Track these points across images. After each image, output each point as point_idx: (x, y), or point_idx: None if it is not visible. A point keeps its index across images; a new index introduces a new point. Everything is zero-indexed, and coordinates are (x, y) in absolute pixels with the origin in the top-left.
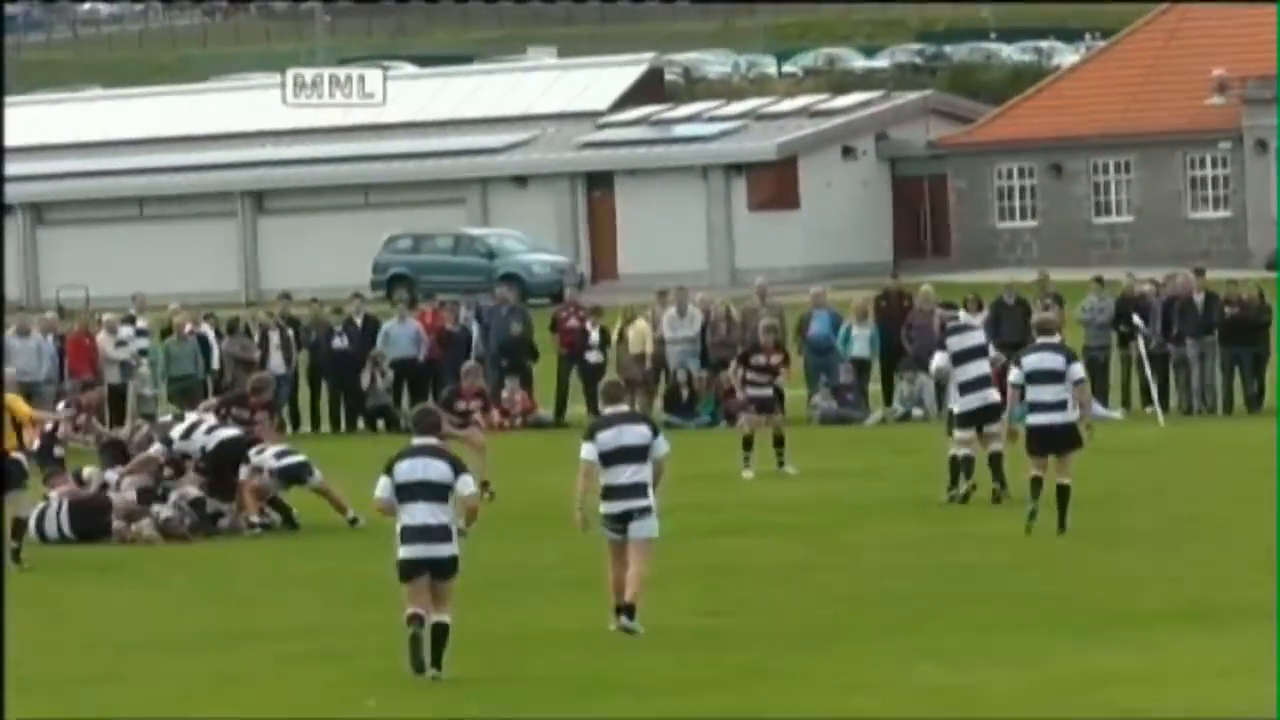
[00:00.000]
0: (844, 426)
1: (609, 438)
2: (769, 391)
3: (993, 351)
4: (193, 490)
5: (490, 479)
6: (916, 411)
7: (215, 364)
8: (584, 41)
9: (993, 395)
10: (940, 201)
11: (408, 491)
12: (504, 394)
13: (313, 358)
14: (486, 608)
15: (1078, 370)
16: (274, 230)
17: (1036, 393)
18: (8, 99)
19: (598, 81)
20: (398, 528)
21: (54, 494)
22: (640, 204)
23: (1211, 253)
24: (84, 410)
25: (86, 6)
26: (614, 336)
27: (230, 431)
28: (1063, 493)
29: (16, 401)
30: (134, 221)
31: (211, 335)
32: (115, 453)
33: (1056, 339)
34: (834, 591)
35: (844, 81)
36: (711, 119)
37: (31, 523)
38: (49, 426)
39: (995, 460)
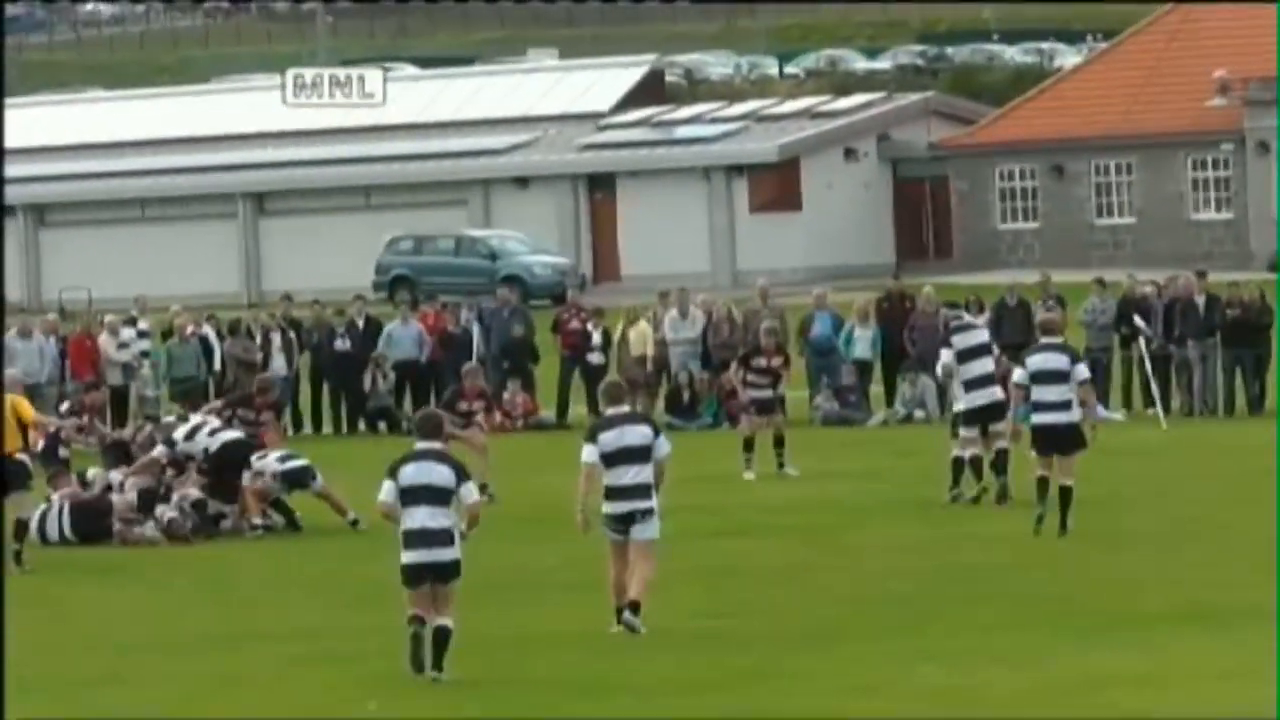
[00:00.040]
0: (846, 428)
1: (611, 438)
2: (769, 393)
3: (994, 350)
4: (194, 492)
5: (490, 481)
6: (918, 413)
7: (217, 366)
8: (585, 43)
9: (997, 393)
10: (942, 203)
11: (411, 495)
12: (505, 396)
13: (314, 359)
14: (488, 609)
15: (1083, 371)
16: (276, 232)
17: (1041, 393)
18: (9, 100)
19: (599, 83)
20: (400, 531)
21: (55, 496)
22: (642, 205)
23: (1213, 254)
24: (87, 411)
25: (89, 7)
26: (615, 338)
27: (233, 434)
28: (1065, 494)
29: (22, 404)
30: (136, 223)
31: (213, 337)
32: (118, 454)
33: (1061, 339)
34: (835, 593)
35: (846, 83)
36: (713, 120)
37: (32, 525)
38: (52, 428)
39: (1001, 457)
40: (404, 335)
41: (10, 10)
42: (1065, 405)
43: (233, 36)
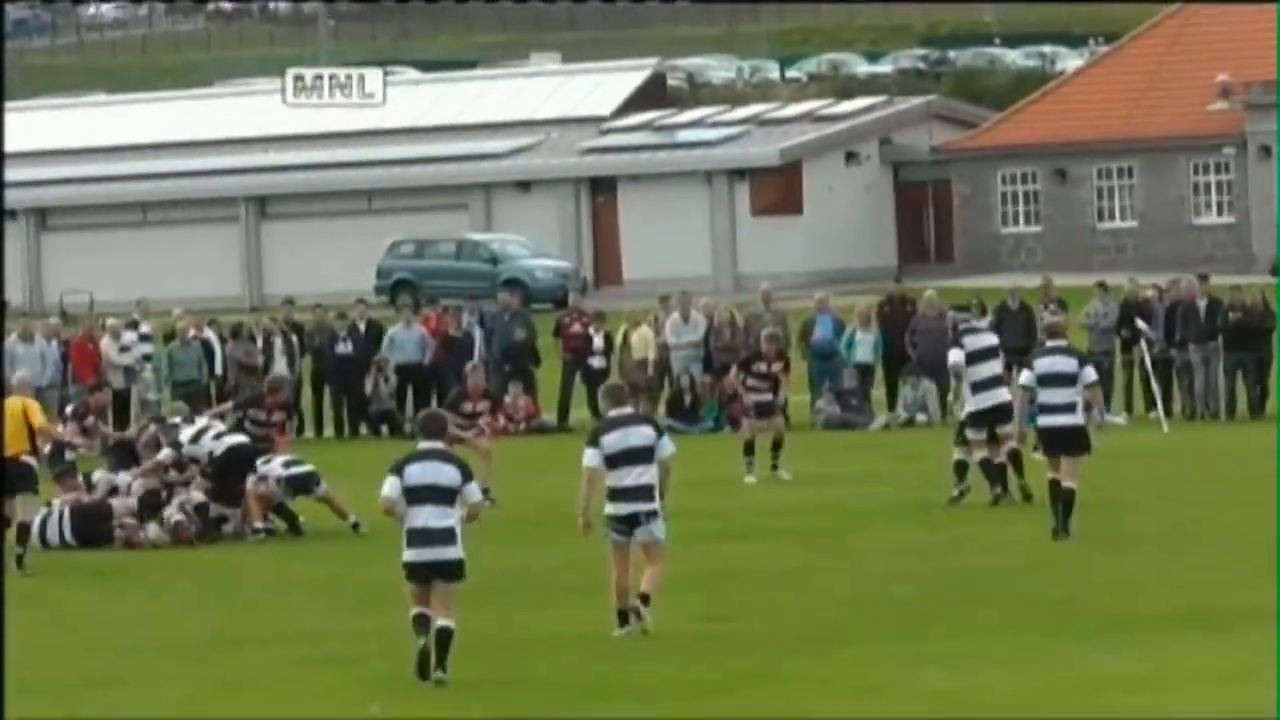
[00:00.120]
0: (847, 431)
1: (614, 440)
2: (769, 397)
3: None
4: (198, 495)
5: (492, 485)
6: (920, 417)
7: (219, 369)
8: (587, 46)
9: (1005, 395)
10: (944, 207)
11: (416, 495)
12: (507, 399)
13: (316, 363)
14: (489, 611)
15: (1090, 373)
16: (277, 235)
17: (1047, 395)
18: (11, 104)
19: (601, 87)
20: (404, 529)
21: (55, 501)
22: (643, 209)
23: (1215, 258)
24: (92, 413)
25: (90, 11)
26: (617, 342)
27: (238, 438)
28: (1067, 496)
29: (33, 407)
30: (137, 227)
31: (215, 340)
32: (123, 454)
33: (1066, 342)
34: (836, 596)
35: (847, 86)
36: (715, 124)
37: (33, 530)
38: (57, 437)
39: (1015, 459)
40: (407, 339)
41: (16, 14)
42: (1071, 408)
43: (234, 40)
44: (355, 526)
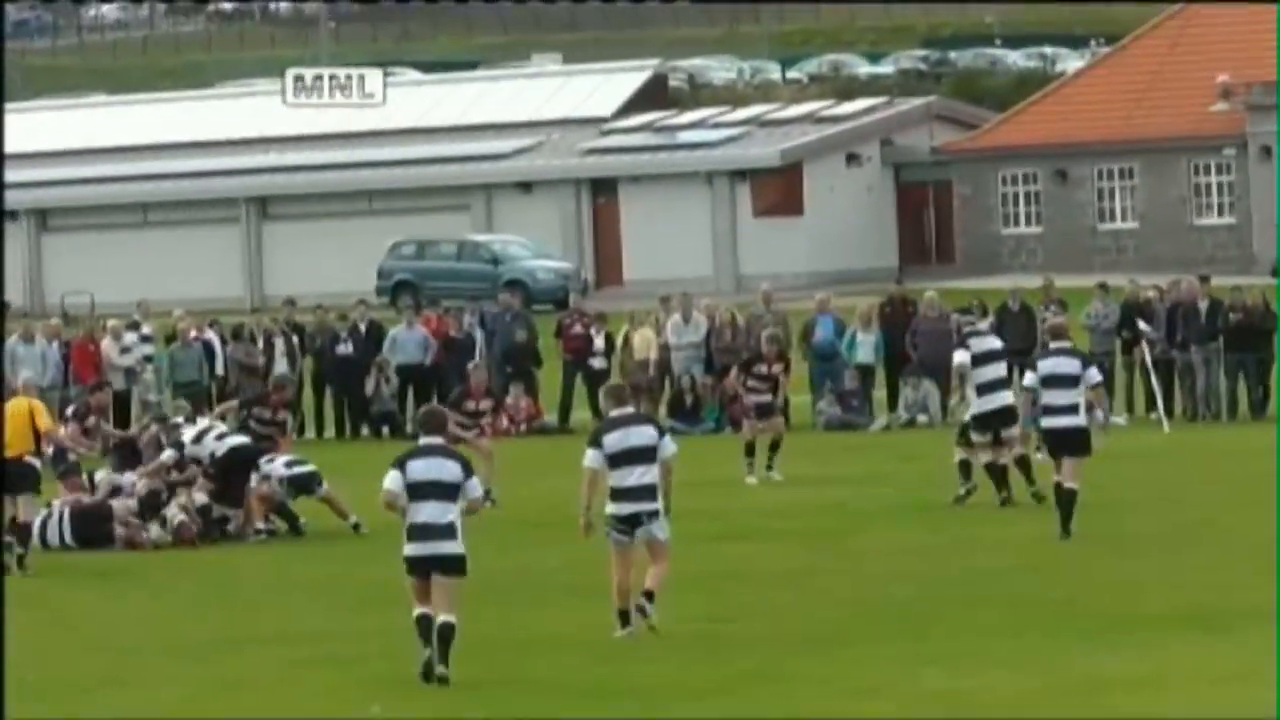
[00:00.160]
0: (848, 432)
1: (615, 440)
2: (769, 398)
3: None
4: (200, 496)
5: (494, 486)
6: (921, 418)
7: (220, 370)
8: (589, 47)
9: (1009, 398)
10: (945, 207)
11: (419, 491)
12: (508, 400)
13: (317, 364)
14: (490, 612)
15: (1094, 375)
16: (278, 236)
17: (1050, 397)
18: (13, 105)
19: (602, 88)
20: (405, 525)
21: (55, 502)
22: (645, 210)
23: (1216, 259)
24: (94, 412)
25: (92, 12)
26: (619, 342)
27: (240, 439)
28: (1068, 497)
29: (40, 410)
30: (138, 227)
31: (216, 341)
32: (127, 454)
33: (1069, 344)
34: (837, 597)
35: (849, 87)
36: (716, 125)
37: (33, 531)
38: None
39: (1022, 463)
40: (408, 340)
41: (19, 15)
42: (1074, 409)
43: (235, 41)
44: (356, 527)
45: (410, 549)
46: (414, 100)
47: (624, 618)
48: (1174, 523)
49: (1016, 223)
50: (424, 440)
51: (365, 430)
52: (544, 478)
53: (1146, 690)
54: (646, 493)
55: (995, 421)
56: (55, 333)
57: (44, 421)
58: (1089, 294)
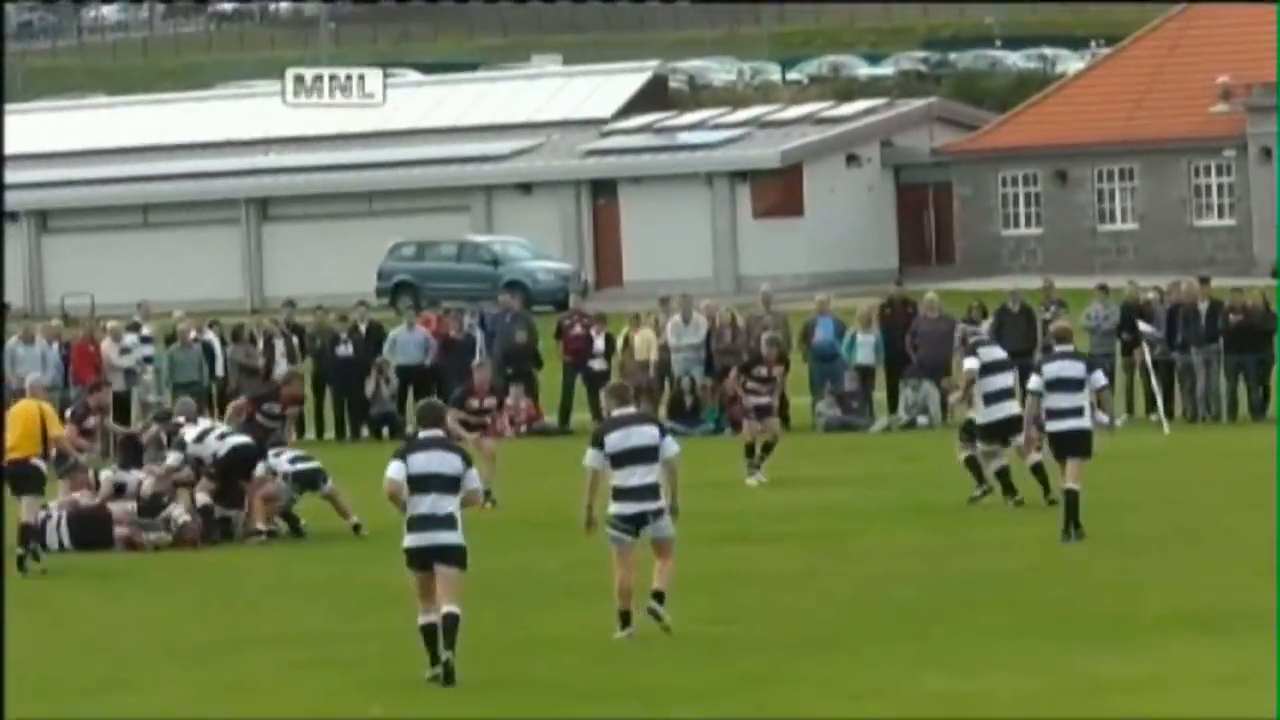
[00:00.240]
0: (848, 433)
1: (617, 439)
2: (768, 399)
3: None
4: (202, 496)
5: (494, 487)
6: (921, 419)
7: (220, 371)
8: (589, 49)
9: (1016, 408)
10: (945, 209)
11: (420, 483)
12: (508, 401)
13: (317, 365)
14: (490, 613)
15: (1100, 378)
16: (278, 237)
17: (1055, 400)
18: (13, 106)
19: (602, 89)
20: (405, 517)
21: (53, 505)
22: (644, 211)
23: (1216, 260)
24: (94, 412)
25: (92, 13)
26: (619, 343)
27: (242, 439)
28: (1072, 498)
29: (51, 415)
30: (138, 229)
31: (216, 343)
32: (131, 451)
33: (1074, 347)
34: (838, 598)
35: (848, 89)
36: (716, 126)
37: None
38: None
39: (1039, 472)
40: (409, 340)
41: (20, 16)
42: (1078, 412)
43: (235, 43)
44: (356, 528)
45: (410, 540)
46: (414, 101)
47: (625, 619)
48: (1174, 524)
49: (1016, 224)
50: (424, 434)
51: (365, 431)
52: (544, 479)
53: (1146, 691)
54: (650, 492)
55: (1004, 431)
56: (55, 334)
57: (55, 428)
58: (1089, 295)
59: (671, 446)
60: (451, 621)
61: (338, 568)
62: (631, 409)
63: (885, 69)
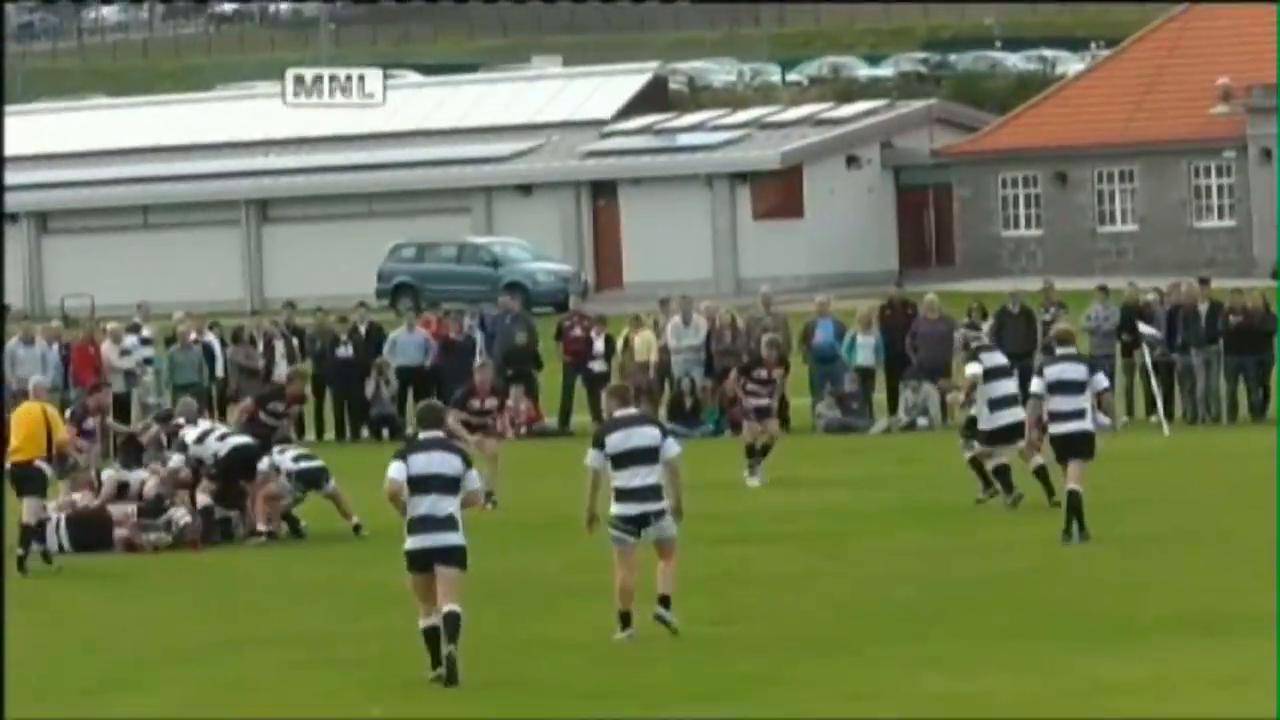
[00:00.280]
0: (848, 435)
1: (618, 440)
2: (767, 401)
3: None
4: (203, 497)
5: (495, 488)
6: (921, 420)
7: (220, 373)
8: (589, 50)
9: (1020, 414)
10: (945, 210)
11: (421, 484)
12: (508, 403)
13: (317, 366)
14: (491, 614)
15: (1102, 380)
16: (278, 239)
17: (1057, 403)
18: (13, 107)
19: (602, 90)
20: (406, 519)
21: (52, 506)
22: (644, 213)
23: (1216, 262)
24: (91, 413)
25: (92, 14)
26: (619, 345)
27: (242, 439)
28: (1075, 500)
29: (57, 420)
30: (138, 230)
31: (216, 344)
32: (133, 450)
33: (1075, 349)
34: (838, 600)
35: (848, 90)
36: (716, 128)
37: None
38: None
39: (1041, 475)
40: (408, 342)
41: (24, 17)
42: (1080, 414)
43: (235, 44)
44: (357, 529)
45: (411, 542)
46: (414, 102)
47: (625, 619)
48: (1174, 525)
49: (1016, 225)
50: (424, 435)
51: (365, 432)
52: (544, 480)
53: (1147, 693)
54: (652, 493)
55: (1008, 436)
56: (55, 335)
57: (60, 432)
58: (1089, 297)
59: (673, 447)
60: (453, 619)
61: (338, 568)
62: (632, 410)
63: (885, 70)
